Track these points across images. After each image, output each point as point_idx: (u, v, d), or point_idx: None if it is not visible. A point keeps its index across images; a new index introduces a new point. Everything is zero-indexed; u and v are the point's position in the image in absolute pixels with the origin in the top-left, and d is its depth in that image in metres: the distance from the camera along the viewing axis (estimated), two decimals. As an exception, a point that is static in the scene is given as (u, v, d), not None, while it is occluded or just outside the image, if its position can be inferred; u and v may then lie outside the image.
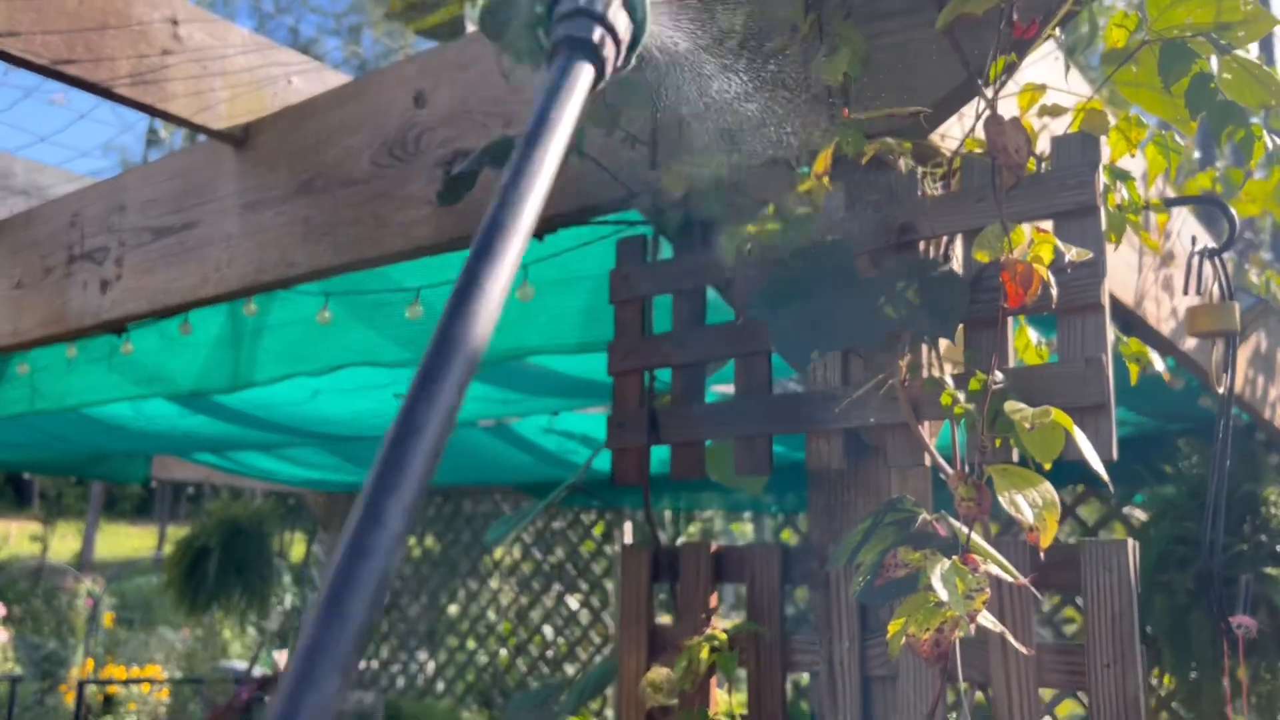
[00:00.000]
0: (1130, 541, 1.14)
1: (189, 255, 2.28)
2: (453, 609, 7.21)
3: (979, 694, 1.27)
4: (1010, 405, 1.00)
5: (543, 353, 2.06)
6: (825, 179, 1.15)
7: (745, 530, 8.05)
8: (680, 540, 7.82)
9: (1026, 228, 1.16)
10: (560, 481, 1.69)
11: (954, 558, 0.94)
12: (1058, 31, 1.14)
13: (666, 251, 1.59)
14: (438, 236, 1.84)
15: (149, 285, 2.35)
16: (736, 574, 1.44)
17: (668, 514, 7.47)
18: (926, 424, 1.25)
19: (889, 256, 1.28)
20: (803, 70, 1.32)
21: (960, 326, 1.23)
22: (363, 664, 7.34)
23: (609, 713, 6.09)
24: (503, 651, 6.93)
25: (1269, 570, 3.19)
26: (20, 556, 16.76)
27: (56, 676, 8.19)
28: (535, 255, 1.82)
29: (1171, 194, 2.02)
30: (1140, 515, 4.18)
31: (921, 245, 1.28)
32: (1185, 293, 1.31)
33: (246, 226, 2.18)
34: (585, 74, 0.42)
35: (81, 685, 6.40)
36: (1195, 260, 1.33)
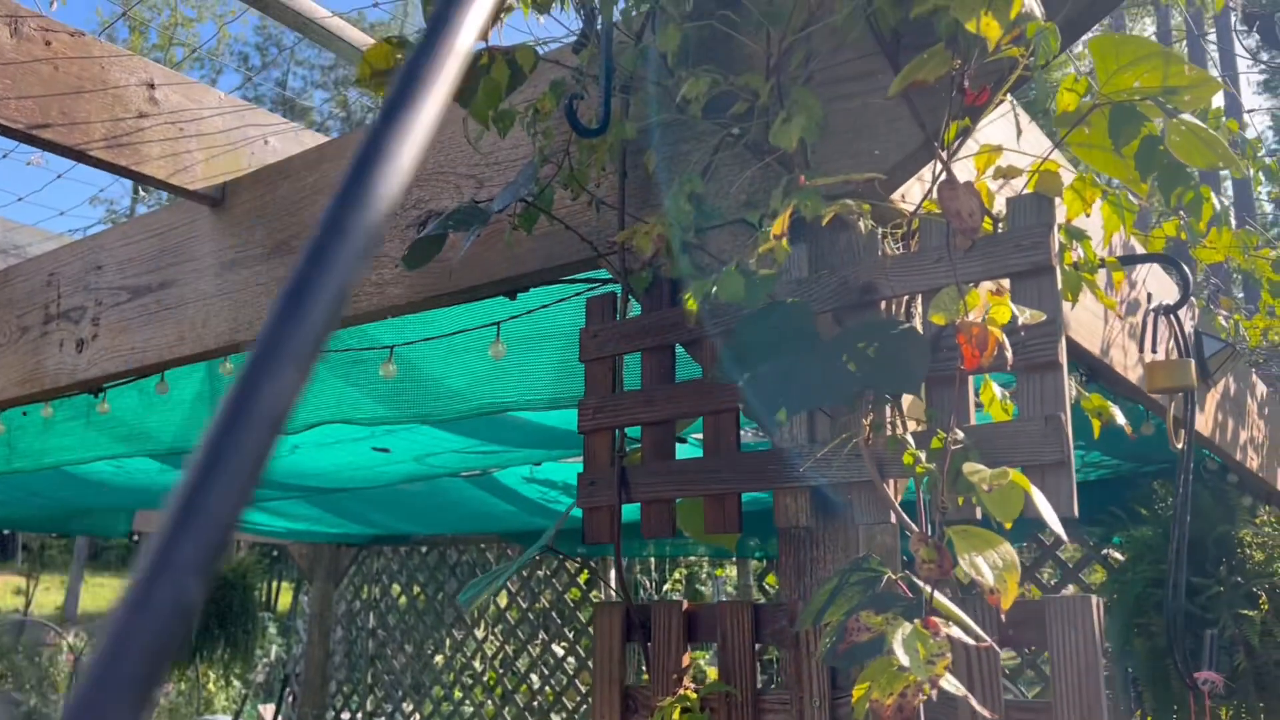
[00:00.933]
0: (1094, 598, 1.15)
1: (166, 314, 2.29)
2: (438, 659, 7.13)
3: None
4: (969, 466, 1.02)
5: (516, 409, 2.07)
6: (784, 241, 1.17)
7: (730, 574, 8.03)
8: (666, 587, 7.78)
9: (983, 289, 1.18)
10: (543, 530, 1.69)
11: (915, 621, 0.94)
12: (1009, 96, 1.16)
13: (637, 309, 1.61)
14: (412, 296, 1.86)
15: (126, 344, 2.36)
16: (709, 633, 1.44)
17: (652, 560, 7.44)
18: (892, 481, 1.27)
19: (851, 315, 1.30)
20: (763, 135, 1.35)
21: (923, 386, 1.25)
22: (347, 716, 7.25)
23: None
24: (489, 701, 6.85)
25: (1245, 611, 3.20)
26: (2, 611, 16.55)
27: (36, 735, 8.06)
28: (507, 313, 1.84)
29: (1135, 243, 2.05)
30: (1119, 557, 4.19)
31: (883, 304, 1.30)
32: (1140, 350, 1.33)
33: (223, 286, 2.19)
34: None
35: (60, 744, 6.29)
36: (1151, 317, 1.35)
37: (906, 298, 1.31)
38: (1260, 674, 3.19)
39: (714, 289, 1.18)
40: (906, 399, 1.27)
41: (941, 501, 1.06)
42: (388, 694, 7.24)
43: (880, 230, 1.32)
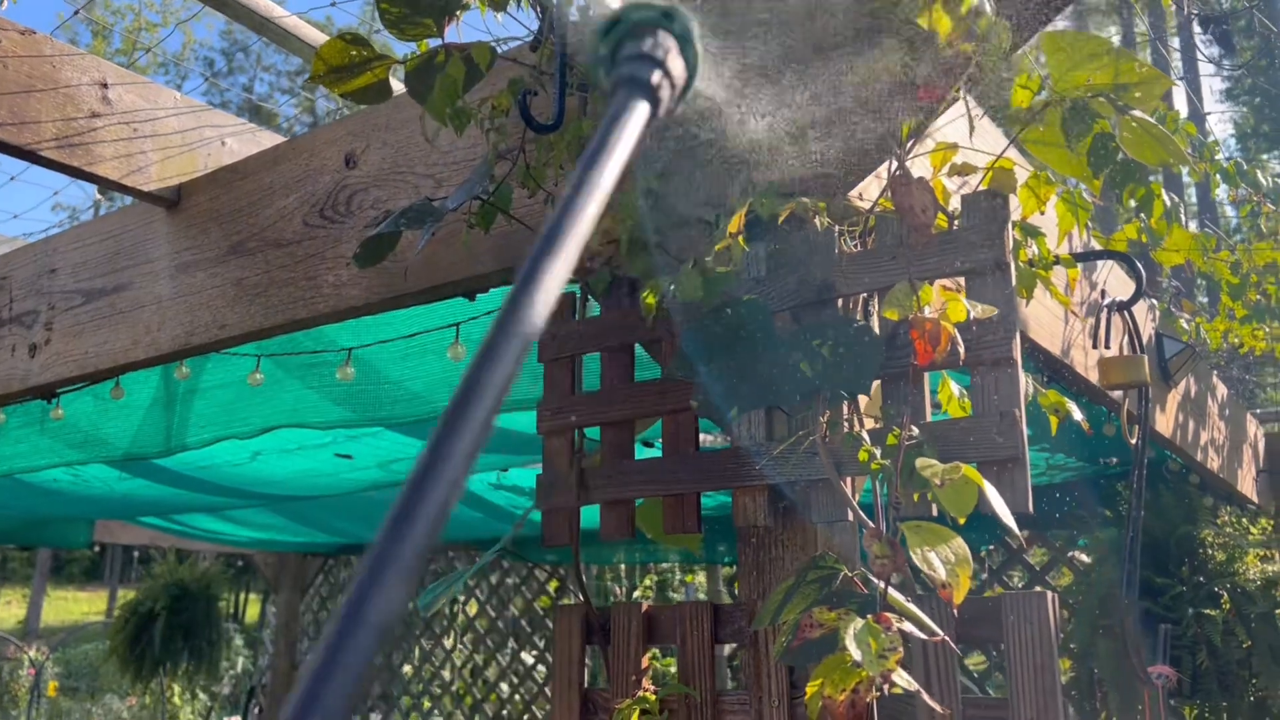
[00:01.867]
0: (1049, 594, 1.15)
1: (120, 318, 2.25)
2: (407, 669, 7.07)
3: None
4: (922, 462, 1.01)
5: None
6: (740, 239, 1.16)
7: (700, 580, 8.02)
8: (636, 594, 7.76)
9: (937, 285, 1.18)
10: (504, 539, 1.67)
11: (868, 617, 0.94)
12: (964, 93, 1.16)
13: (596, 310, 1.60)
14: (369, 297, 1.83)
15: (79, 349, 2.32)
16: (669, 634, 1.42)
17: (622, 567, 7.42)
18: (850, 479, 1.26)
19: (809, 313, 1.30)
20: (721, 131, 1.34)
21: (878, 382, 1.24)
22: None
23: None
24: (458, 711, 6.80)
25: (1207, 611, 3.23)
26: (-40, 625, 16.27)
27: (-6, 750, 7.92)
28: (467, 314, 1.82)
29: (1094, 243, 2.07)
30: (1085, 559, 4.22)
31: (840, 302, 1.30)
32: (1094, 346, 1.34)
33: (179, 289, 2.15)
34: (642, 110, 0.47)
35: (19, 759, 6.19)
36: (1105, 313, 1.36)
37: (864, 295, 1.31)
38: (1223, 673, 3.22)
39: (671, 288, 1.17)
40: (863, 396, 1.27)
41: (897, 498, 1.05)
42: (355, 705, 7.16)
43: (837, 228, 1.32)
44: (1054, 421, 1.28)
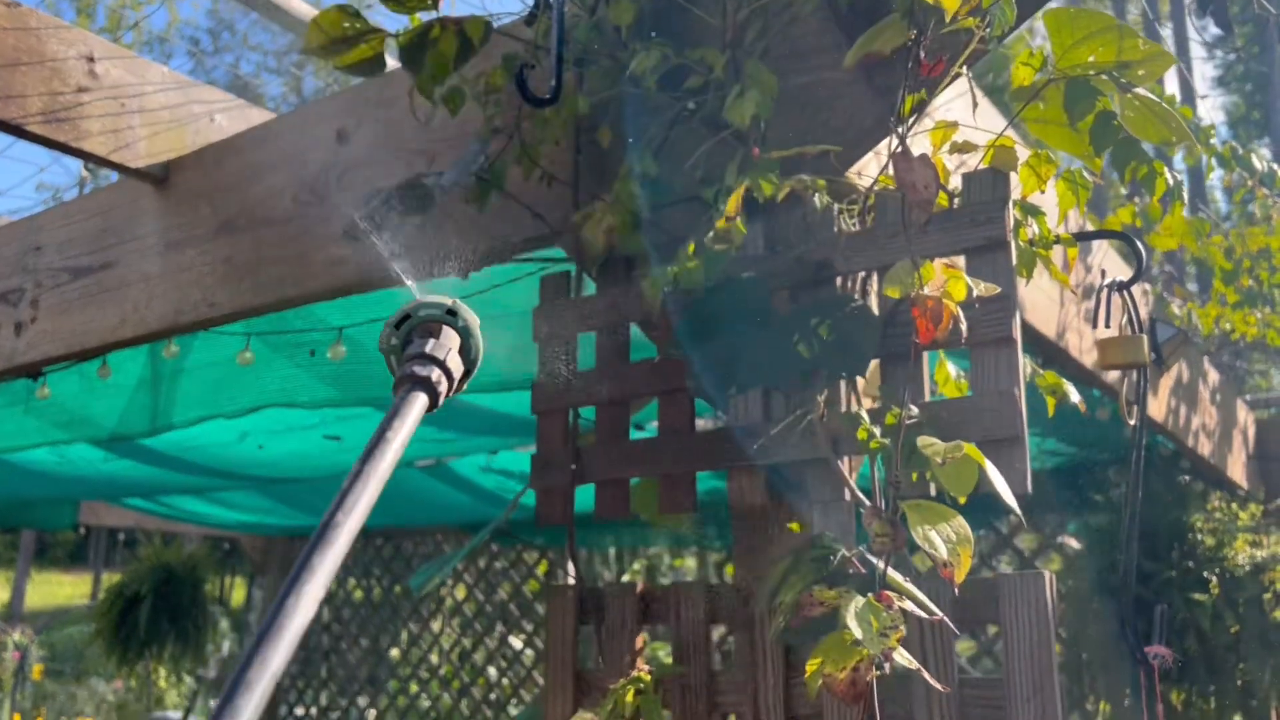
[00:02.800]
0: (1046, 574, 1.14)
1: (107, 296, 2.23)
2: (394, 652, 7.06)
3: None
4: (924, 440, 1.00)
5: (471, 391, 2.03)
6: (739, 220, 1.15)
7: (690, 565, 8.04)
8: (625, 578, 7.77)
9: (938, 263, 1.16)
10: (496, 520, 1.67)
11: (869, 595, 0.93)
12: (966, 70, 1.15)
13: (591, 288, 1.58)
14: (361, 275, 1.81)
15: (66, 327, 2.29)
16: (663, 614, 1.42)
17: (612, 551, 7.42)
18: (847, 459, 1.25)
19: (806, 293, 1.28)
20: (719, 109, 1.32)
21: (877, 362, 1.23)
22: (301, 711, 7.16)
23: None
24: (445, 695, 6.80)
25: (1196, 596, 3.24)
26: (-56, 608, 16.19)
27: (-20, 733, 7.90)
28: (460, 292, 1.80)
29: (1089, 227, 2.06)
30: (1075, 544, 4.24)
31: (839, 281, 1.28)
32: (1094, 326, 1.33)
33: (167, 266, 2.13)
34: (420, 403, 0.55)
35: (5, 742, 6.16)
36: (1104, 293, 1.35)
37: (862, 274, 1.30)
38: (1211, 657, 3.24)
39: (671, 270, 1.16)
40: (860, 376, 1.26)
41: (896, 477, 1.04)
42: (342, 688, 7.16)
43: (836, 206, 1.31)
44: (1050, 403, 1.27)
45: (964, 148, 1.20)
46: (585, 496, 1.47)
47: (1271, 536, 3.43)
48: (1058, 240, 1.23)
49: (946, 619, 1.06)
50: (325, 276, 1.86)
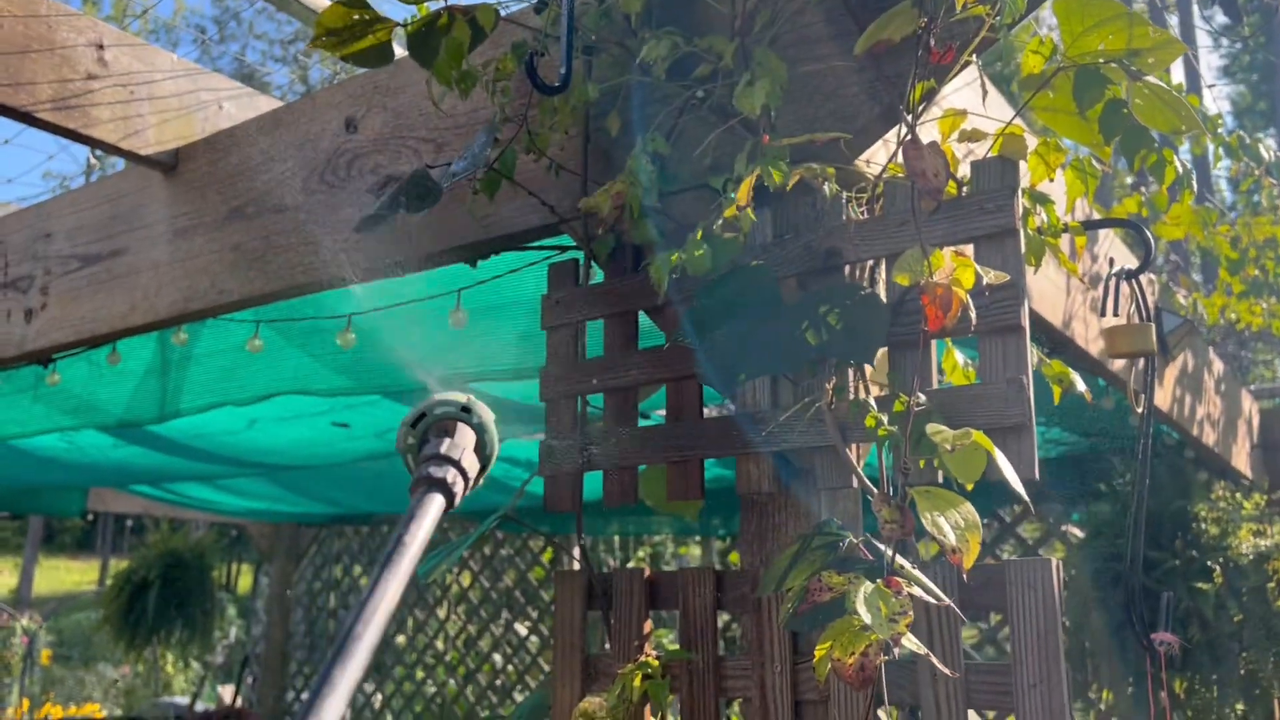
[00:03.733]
0: (1054, 560, 1.15)
1: (117, 283, 2.24)
2: (400, 639, 7.10)
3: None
4: (932, 427, 1.01)
5: (479, 379, 2.04)
6: (749, 209, 1.16)
7: (694, 553, 8.05)
8: (629, 565, 7.79)
9: (947, 251, 1.17)
10: (503, 507, 1.67)
11: (878, 581, 0.94)
12: (975, 58, 1.15)
13: (600, 276, 1.59)
14: (371, 262, 1.82)
15: (76, 314, 2.30)
16: (670, 600, 1.43)
17: (616, 539, 7.44)
18: (855, 446, 1.26)
19: (816, 280, 1.29)
20: (728, 97, 1.33)
21: (885, 349, 1.24)
22: (307, 697, 7.19)
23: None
24: (451, 681, 6.83)
25: (1199, 585, 3.25)
26: (-48, 594, 16.30)
27: (-12, 718, 7.95)
28: (469, 280, 1.81)
29: (1096, 216, 2.06)
30: (1078, 533, 4.24)
31: (848, 269, 1.29)
32: (1102, 314, 1.33)
33: (176, 253, 2.14)
34: (438, 504, 0.56)
35: (14, 726, 6.21)
36: (1113, 282, 1.36)
37: (871, 262, 1.30)
38: (1214, 646, 3.25)
39: (675, 257, 1.16)
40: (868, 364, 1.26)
41: (904, 463, 1.05)
42: (349, 674, 7.19)
43: (845, 194, 1.31)
44: (1057, 392, 1.28)
45: (973, 136, 1.21)
46: (591, 483, 1.48)
47: (1275, 526, 3.43)
48: (1066, 228, 1.23)
49: (953, 605, 1.07)
50: (335, 264, 1.87)
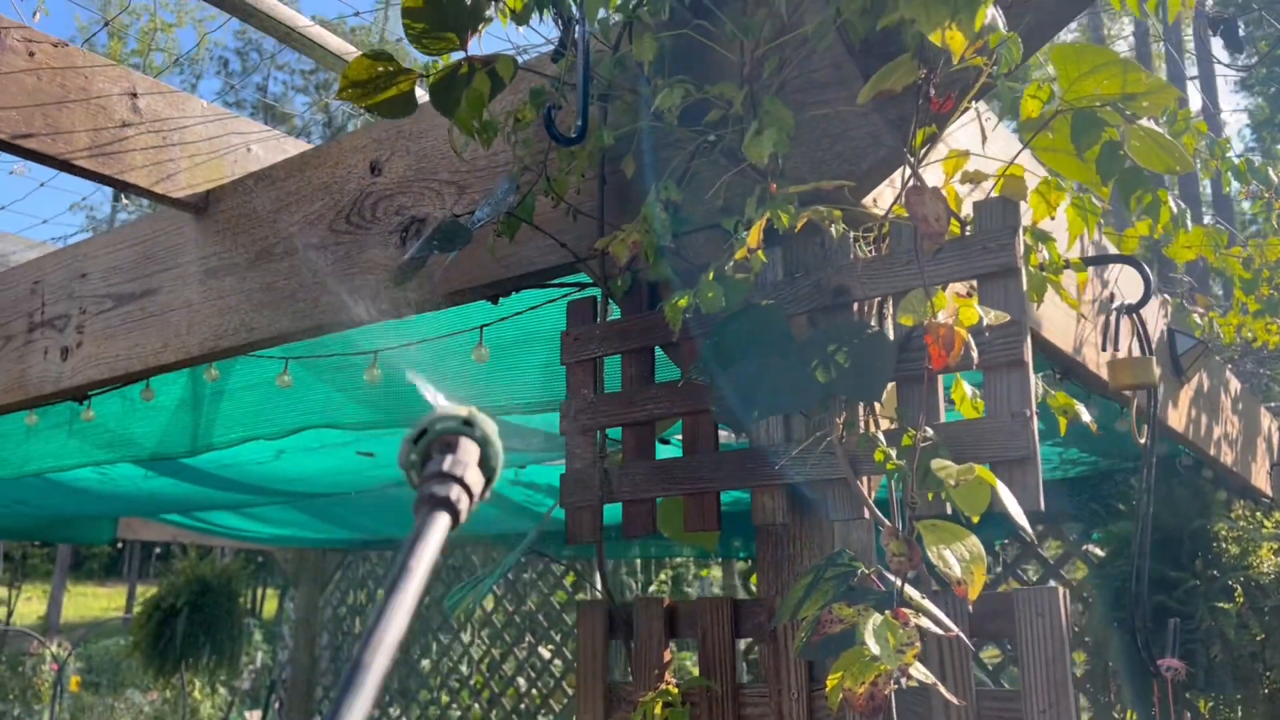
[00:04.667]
0: (1060, 589, 1.18)
1: (150, 322, 2.31)
2: (425, 663, 7.14)
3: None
4: (937, 463, 1.05)
5: (504, 412, 2.09)
6: (760, 251, 1.20)
7: (715, 575, 8.06)
8: (651, 589, 7.81)
9: (952, 289, 1.21)
10: (529, 532, 1.72)
11: (886, 613, 0.98)
12: (975, 104, 1.20)
13: (617, 313, 1.64)
14: (394, 302, 1.88)
15: (110, 352, 2.37)
16: (690, 629, 1.47)
17: (638, 561, 7.46)
18: (866, 478, 1.30)
19: (825, 317, 1.33)
20: (738, 142, 1.38)
21: (894, 384, 1.28)
22: (334, 722, 7.23)
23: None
24: (475, 705, 6.87)
25: (1221, 604, 3.25)
26: (-17, 621, 16.45)
27: (20, 745, 8.04)
28: (492, 316, 1.86)
29: (1108, 243, 2.09)
30: (1099, 552, 4.25)
31: (856, 306, 1.33)
32: (1104, 349, 1.37)
33: (207, 293, 2.21)
34: (443, 524, 0.57)
35: (45, 753, 6.29)
36: (1113, 317, 1.39)
37: (878, 299, 1.35)
38: (1237, 666, 3.25)
39: (683, 301, 1.21)
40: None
41: (912, 498, 1.09)
42: (374, 698, 7.23)
43: (852, 234, 1.36)
44: (1063, 423, 1.31)
45: (975, 177, 1.25)
46: (612, 510, 1.53)
47: (1297, 544, 3.42)
48: (1067, 265, 1.27)
49: (962, 634, 1.10)
50: (361, 303, 1.93)
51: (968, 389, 1.47)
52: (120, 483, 3.70)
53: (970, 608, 1.22)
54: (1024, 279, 1.22)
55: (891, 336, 1.27)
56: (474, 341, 1.89)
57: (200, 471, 3.48)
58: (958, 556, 1.00)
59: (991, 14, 1.04)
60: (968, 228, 1.27)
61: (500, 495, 4.45)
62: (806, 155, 1.42)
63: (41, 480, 3.55)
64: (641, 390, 1.51)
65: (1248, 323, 3.62)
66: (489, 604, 6.96)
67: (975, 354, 1.08)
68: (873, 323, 1.27)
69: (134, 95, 2.17)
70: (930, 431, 1.17)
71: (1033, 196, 1.33)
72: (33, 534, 6.67)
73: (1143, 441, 1.36)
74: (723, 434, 1.57)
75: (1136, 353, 1.47)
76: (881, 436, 1.19)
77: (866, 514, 1.27)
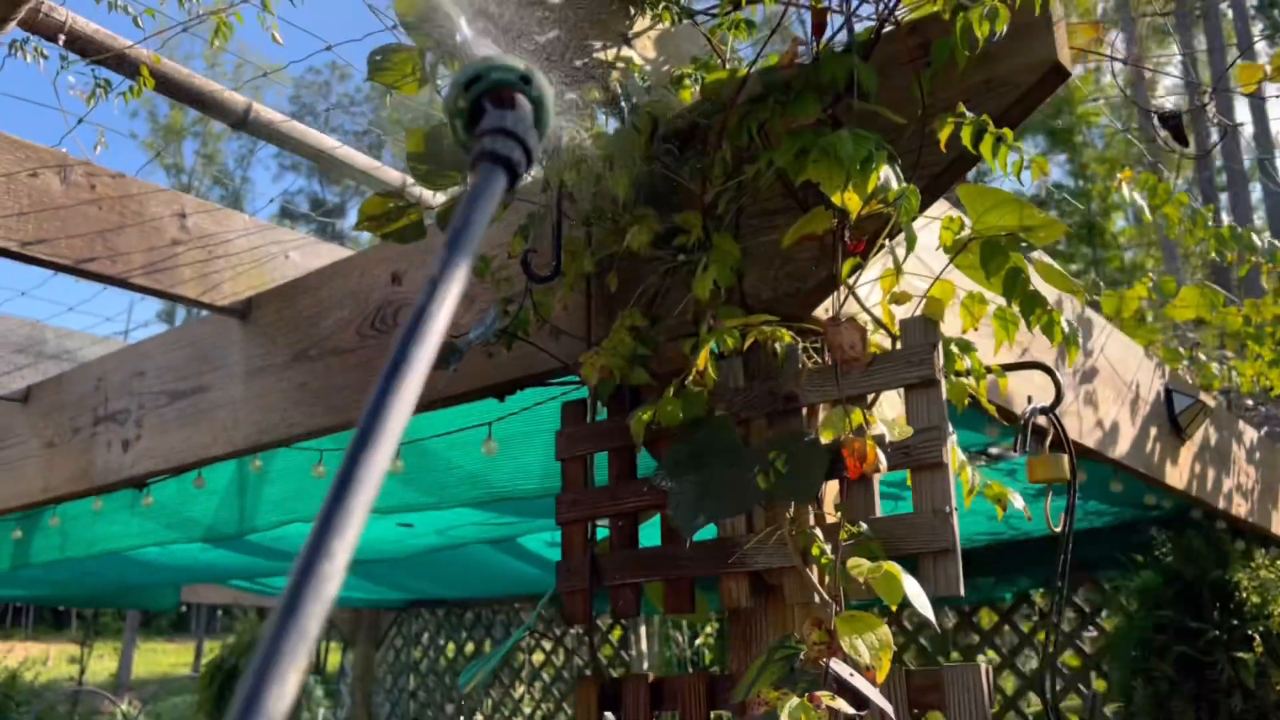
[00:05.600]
0: (984, 666, 1.33)
1: (201, 417, 2.54)
2: (478, 717, 7.30)
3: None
4: (853, 562, 1.21)
5: (510, 498, 2.28)
6: (711, 367, 1.38)
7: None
8: (698, 642, 7.89)
9: (883, 400, 1.38)
10: (532, 617, 1.88)
11: (802, 698, 1.14)
12: (888, 241, 1.37)
13: (604, 414, 1.82)
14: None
15: (166, 445, 2.61)
16: (672, 702, 1.62)
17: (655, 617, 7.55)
18: (814, 566, 1.46)
19: (779, 420, 1.50)
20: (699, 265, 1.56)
21: (836, 482, 1.44)
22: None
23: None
24: (528, 759, 6.99)
25: (1241, 654, 3.31)
26: (59, 680, 16.89)
27: (92, 803, 8.31)
28: (499, 412, 2.06)
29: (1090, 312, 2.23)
30: (1127, 602, 4.29)
31: (805, 410, 1.50)
32: (1016, 450, 1.52)
33: (250, 391, 2.43)
34: (500, 184, 0.53)
35: (116, 812, 6.54)
36: (1024, 421, 1.54)
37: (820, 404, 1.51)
38: (1260, 716, 3.30)
39: (645, 415, 1.39)
40: (827, 493, 1.47)
41: (836, 591, 1.25)
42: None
43: (801, 344, 1.53)
44: (999, 511, 1.46)
45: (901, 298, 1.42)
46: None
47: (1317, 593, 3.47)
48: (989, 371, 1.43)
49: (889, 709, 1.25)
50: (384, 401, 2.13)
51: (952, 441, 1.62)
52: (180, 555, 3.95)
53: (906, 682, 1.37)
54: (943, 389, 1.38)
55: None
56: (485, 432, 2.09)
57: (253, 544, 3.71)
58: (868, 644, 1.16)
59: (885, 174, 1.21)
60: (897, 341, 1.43)
61: (539, 557, 4.63)
62: (762, 273, 1.59)
63: (109, 554, 3.80)
64: (624, 486, 1.69)
65: (1264, 370, 3.70)
66: (538, 659, 7.11)
67: (884, 466, 1.24)
68: (811, 432, 1.44)
69: (183, 215, 2.41)
70: (865, 526, 1.33)
71: (961, 309, 1.49)
72: (102, 602, 6.99)
73: (1060, 530, 1.49)
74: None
75: (1046, 451, 1.61)
76: (819, 532, 1.35)
77: (817, 598, 1.43)
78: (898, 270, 1.37)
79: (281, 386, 2.36)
